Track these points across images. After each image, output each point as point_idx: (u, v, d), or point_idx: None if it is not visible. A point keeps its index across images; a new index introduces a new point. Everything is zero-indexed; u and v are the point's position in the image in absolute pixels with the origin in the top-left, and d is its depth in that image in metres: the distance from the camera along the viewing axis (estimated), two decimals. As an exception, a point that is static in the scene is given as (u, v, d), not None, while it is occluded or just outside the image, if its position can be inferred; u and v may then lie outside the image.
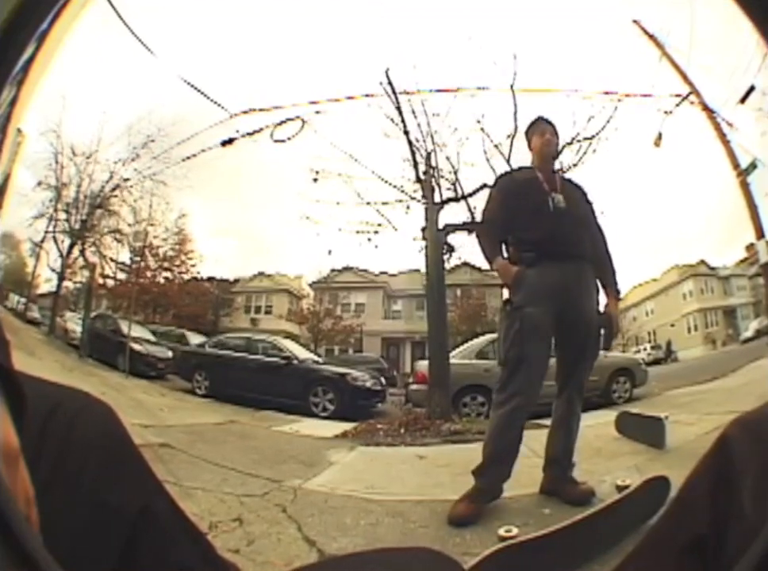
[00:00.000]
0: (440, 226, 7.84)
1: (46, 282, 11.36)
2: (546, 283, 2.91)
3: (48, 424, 0.88)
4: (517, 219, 3.07)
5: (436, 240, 7.77)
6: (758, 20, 0.87)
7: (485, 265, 3.23)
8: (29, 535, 0.60)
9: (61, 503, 0.83)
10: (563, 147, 7.99)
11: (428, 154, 8.32)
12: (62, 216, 10.89)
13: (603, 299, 3.14)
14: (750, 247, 10.10)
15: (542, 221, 3.01)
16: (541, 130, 3.36)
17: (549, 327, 2.92)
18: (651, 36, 8.41)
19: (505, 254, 3.14)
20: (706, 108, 8.09)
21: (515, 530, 2.12)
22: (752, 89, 7.29)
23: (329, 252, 10.30)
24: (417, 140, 8.28)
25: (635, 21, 8.45)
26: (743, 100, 7.49)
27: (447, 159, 8.41)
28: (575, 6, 9.15)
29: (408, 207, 8.53)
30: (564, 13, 9.04)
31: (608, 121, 8.14)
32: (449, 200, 8.21)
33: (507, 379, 2.85)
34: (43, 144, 10.28)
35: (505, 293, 3.12)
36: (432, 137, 8.34)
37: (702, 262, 12.80)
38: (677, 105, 8.14)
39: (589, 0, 9.64)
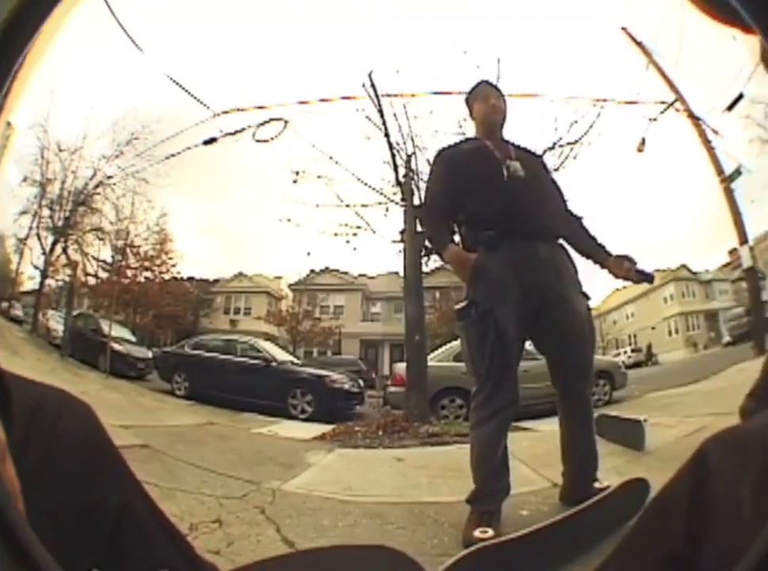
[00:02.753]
0: (419, 229, 7.85)
1: (29, 280, 11.30)
2: (514, 272, 2.48)
3: (33, 423, 0.89)
4: (467, 192, 2.63)
5: (415, 243, 7.81)
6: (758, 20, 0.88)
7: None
8: (29, 535, 0.61)
9: (45, 501, 0.84)
10: (545, 151, 8.09)
11: (409, 157, 8.37)
12: (46, 212, 10.85)
13: (603, 272, 2.68)
14: (732, 251, 10.28)
15: (497, 192, 2.58)
16: (484, 95, 2.91)
17: (525, 325, 2.51)
18: (639, 44, 8.54)
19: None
20: (692, 115, 8.22)
21: (491, 532, 2.13)
22: (740, 97, 7.40)
23: (308, 254, 10.34)
24: (398, 143, 8.34)
25: (623, 29, 8.58)
26: (730, 107, 7.59)
27: (428, 161, 8.42)
28: (562, 13, 9.28)
29: (387, 209, 8.61)
30: (550, 19, 9.17)
31: (590, 126, 8.25)
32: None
33: (491, 393, 2.45)
34: (30, 138, 10.28)
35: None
36: (412, 140, 8.41)
37: (683, 266, 13.00)
38: (663, 112, 8.27)
39: (576, 6, 9.80)
